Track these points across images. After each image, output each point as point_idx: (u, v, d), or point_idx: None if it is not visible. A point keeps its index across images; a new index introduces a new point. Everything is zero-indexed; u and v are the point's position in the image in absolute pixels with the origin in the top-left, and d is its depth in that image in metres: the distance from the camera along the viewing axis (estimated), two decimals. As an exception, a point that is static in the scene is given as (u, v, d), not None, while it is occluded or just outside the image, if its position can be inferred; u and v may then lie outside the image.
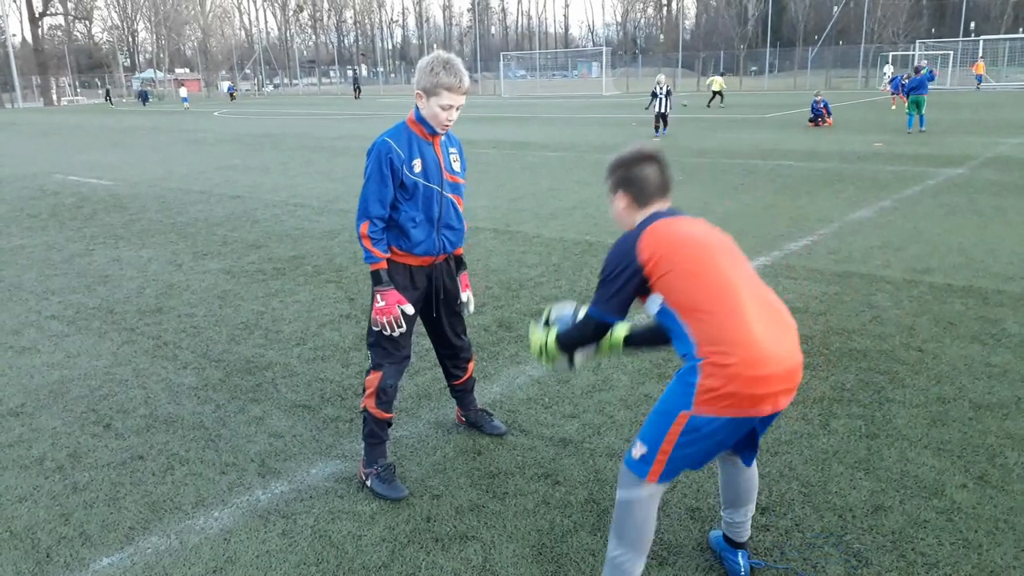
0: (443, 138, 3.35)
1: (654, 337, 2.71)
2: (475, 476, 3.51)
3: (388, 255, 3.31)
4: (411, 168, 3.22)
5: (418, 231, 3.30)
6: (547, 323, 2.87)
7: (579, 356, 2.78)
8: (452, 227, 3.42)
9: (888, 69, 44.30)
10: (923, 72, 19.42)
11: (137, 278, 7.21)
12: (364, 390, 3.40)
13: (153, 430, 4.06)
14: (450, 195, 3.37)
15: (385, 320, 3.27)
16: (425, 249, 3.34)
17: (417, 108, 3.27)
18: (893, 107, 26.51)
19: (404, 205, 3.26)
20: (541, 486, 3.40)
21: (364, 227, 3.24)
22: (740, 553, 2.78)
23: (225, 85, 68.46)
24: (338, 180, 13.55)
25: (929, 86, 19.54)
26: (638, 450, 2.42)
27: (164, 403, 4.40)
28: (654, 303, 2.44)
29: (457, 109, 3.23)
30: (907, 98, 19.05)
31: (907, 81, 19.41)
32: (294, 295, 6.48)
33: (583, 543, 2.99)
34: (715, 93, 33.00)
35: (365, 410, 3.40)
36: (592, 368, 4.69)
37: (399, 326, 3.28)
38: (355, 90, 56.32)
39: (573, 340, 2.71)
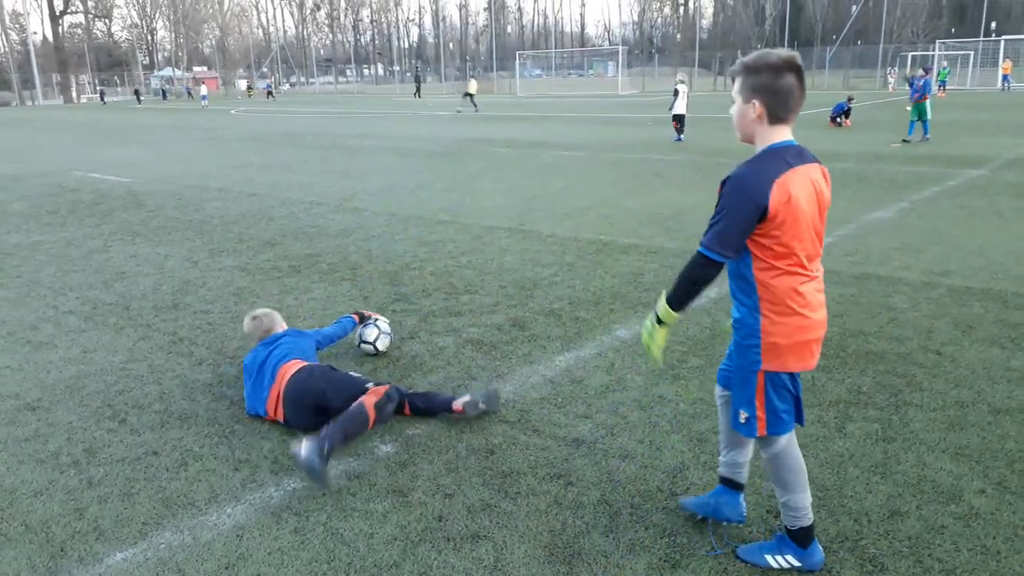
0: None
1: (695, 286, 2.56)
2: (487, 475, 3.50)
3: None
4: None
5: None
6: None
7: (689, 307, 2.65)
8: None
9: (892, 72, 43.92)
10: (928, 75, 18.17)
11: (154, 275, 7.25)
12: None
13: (168, 426, 4.08)
14: None
15: None
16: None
17: None
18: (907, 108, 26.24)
19: None
20: (553, 486, 3.39)
21: None
22: (740, 494, 2.96)
23: (262, 83, 69.34)
24: (355, 178, 13.59)
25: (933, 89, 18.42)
26: (741, 417, 2.63)
27: (179, 399, 4.43)
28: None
29: None
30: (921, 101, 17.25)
31: (923, 82, 17.24)
32: (309, 292, 6.50)
33: (595, 544, 2.97)
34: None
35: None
36: (605, 368, 4.67)
37: None
38: (416, 91, 54.70)
39: (685, 289, 2.55)
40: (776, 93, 2.40)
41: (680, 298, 2.57)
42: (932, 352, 4.78)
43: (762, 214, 2.37)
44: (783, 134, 2.48)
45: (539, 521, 3.14)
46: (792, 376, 2.61)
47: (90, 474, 3.61)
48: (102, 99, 64.60)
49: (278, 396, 3.94)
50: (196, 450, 3.81)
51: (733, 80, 2.54)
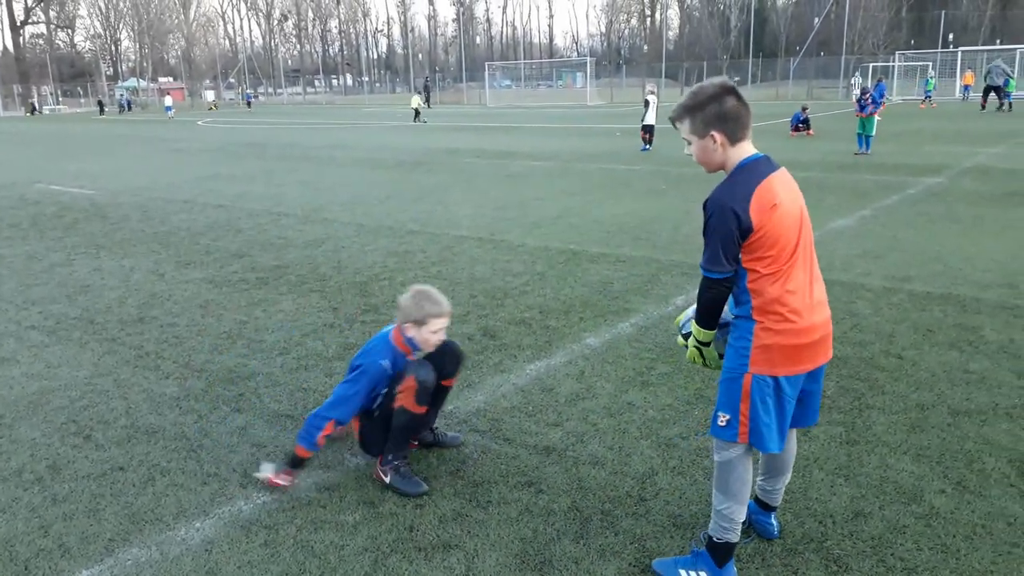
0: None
1: (714, 304, 2.63)
2: (458, 485, 3.50)
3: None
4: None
5: None
6: (681, 331, 2.95)
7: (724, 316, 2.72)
8: None
9: (856, 80, 44.48)
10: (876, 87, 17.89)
11: (119, 288, 7.16)
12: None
13: (134, 441, 4.03)
14: None
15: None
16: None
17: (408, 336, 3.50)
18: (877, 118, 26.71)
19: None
20: (524, 494, 3.41)
21: (329, 426, 3.41)
22: (772, 515, 3.04)
23: (243, 94, 68.97)
24: (323, 190, 13.52)
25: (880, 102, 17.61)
26: (722, 419, 2.65)
27: (145, 413, 4.37)
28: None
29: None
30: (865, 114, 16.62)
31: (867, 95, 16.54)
32: (277, 304, 6.46)
33: (566, 551, 2.99)
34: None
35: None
36: (575, 376, 4.71)
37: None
38: (426, 100, 53.94)
39: (706, 309, 2.63)
40: (727, 118, 2.49)
41: (706, 319, 2.66)
42: (894, 356, 4.89)
43: (746, 229, 2.42)
44: (748, 149, 2.55)
45: (510, 529, 3.15)
46: (782, 381, 2.56)
47: (55, 491, 3.55)
48: (101, 109, 62.39)
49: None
50: (163, 465, 3.77)
51: (676, 125, 2.62)
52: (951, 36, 54.53)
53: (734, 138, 2.51)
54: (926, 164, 14.44)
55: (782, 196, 2.48)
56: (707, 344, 2.74)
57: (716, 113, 2.49)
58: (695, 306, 2.72)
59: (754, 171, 2.50)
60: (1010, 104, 31.42)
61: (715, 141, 2.51)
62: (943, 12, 56.36)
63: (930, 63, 45.49)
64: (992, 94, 31.80)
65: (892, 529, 3.07)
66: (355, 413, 3.48)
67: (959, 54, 45.64)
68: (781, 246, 2.48)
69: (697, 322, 2.69)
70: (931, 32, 59.05)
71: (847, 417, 4.05)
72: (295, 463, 3.47)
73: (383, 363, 3.45)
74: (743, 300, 2.57)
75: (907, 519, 3.13)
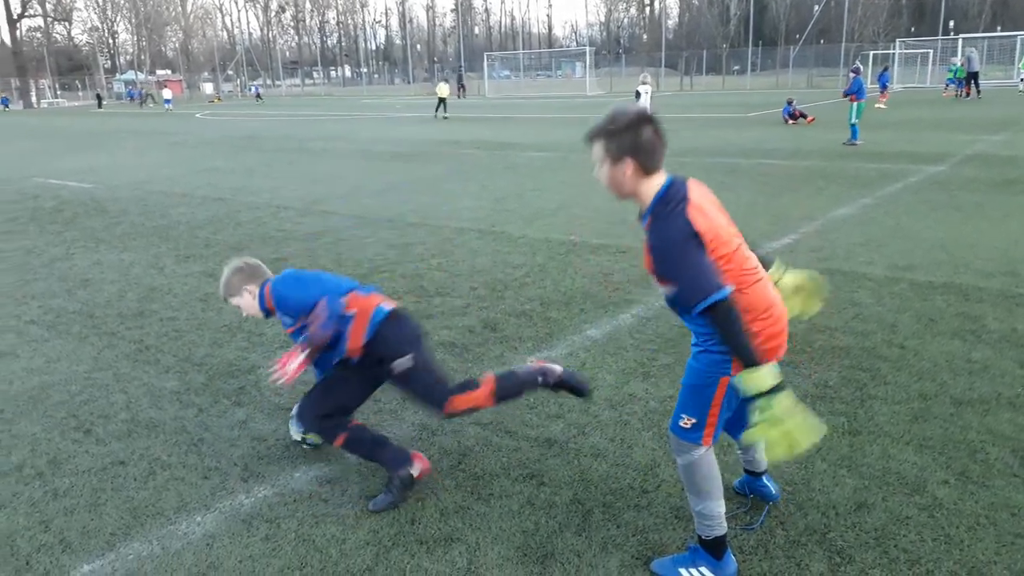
0: None
1: (741, 327, 2.37)
2: (460, 478, 3.50)
3: None
4: None
5: None
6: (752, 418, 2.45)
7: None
8: None
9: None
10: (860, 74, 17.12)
11: (118, 282, 7.14)
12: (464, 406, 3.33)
13: (135, 435, 4.02)
14: None
15: None
16: None
17: None
18: (877, 105, 26.58)
19: None
20: (526, 487, 3.40)
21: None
22: (763, 477, 3.16)
23: (252, 86, 69.04)
24: (321, 182, 13.49)
25: (866, 89, 16.88)
26: (686, 422, 2.61)
27: (146, 408, 4.36)
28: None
29: None
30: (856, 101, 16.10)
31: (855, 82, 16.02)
32: (277, 297, 6.43)
33: (568, 543, 2.99)
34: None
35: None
36: (576, 368, 4.69)
37: None
38: (459, 88, 53.07)
39: (741, 339, 2.34)
40: (641, 149, 2.43)
41: (750, 349, 2.34)
42: (896, 346, 4.87)
43: (700, 241, 2.38)
44: (659, 180, 2.49)
45: (512, 522, 3.14)
46: None
47: (55, 485, 3.55)
48: (99, 102, 62.40)
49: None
50: (164, 459, 3.76)
51: (592, 145, 2.53)
52: (951, 23, 54.29)
53: (647, 169, 2.46)
54: (928, 152, 14.39)
55: (706, 202, 2.51)
56: (782, 388, 2.34)
57: (632, 142, 2.43)
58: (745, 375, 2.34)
59: (674, 194, 2.46)
60: (965, 92, 31.39)
61: (628, 170, 2.45)
62: (944, -1, 56.07)
63: (931, 51, 45.27)
64: (973, 82, 31.64)
65: (895, 520, 3.06)
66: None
67: (959, 41, 45.46)
68: (732, 240, 2.48)
69: (748, 364, 2.32)
70: (931, 19, 58.81)
71: (849, 408, 4.03)
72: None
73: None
74: None
75: (910, 510, 3.12)
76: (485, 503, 3.29)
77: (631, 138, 2.43)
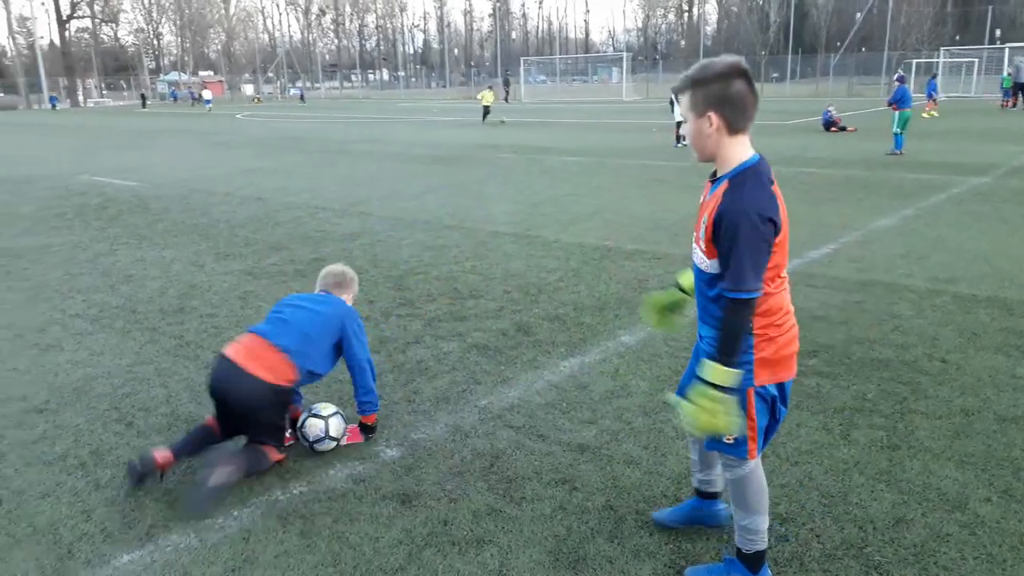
0: None
1: (743, 333, 2.39)
2: (492, 480, 3.51)
3: None
4: None
5: None
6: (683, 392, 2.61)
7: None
8: None
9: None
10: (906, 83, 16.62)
11: (160, 278, 7.28)
12: None
13: (174, 428, 4.10)
14: None
15: None
16: None
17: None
18: (924, 115, 26.11)
19: None
20: (558, 491, 3.40)
21: None
22: (717, 500, 3.01)
23: (294, 89, 70.38)
24: (360, 183, 13.62)
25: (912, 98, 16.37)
26: (729, 437, 2.49)
27: (185, 402, 4.44)
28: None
29: None
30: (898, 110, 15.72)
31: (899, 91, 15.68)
32: (314, 297, 6.51)
33: (600, 549, 2.98)
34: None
35: None
36: (610, 374, 4.68)
37: None
38: (506, 92, 53.43)
39: (736, 340, 2.33)
40: (730, 102, 2.26)
41: (734, 351, 2.33)
42: (937, 360, 4.78)
43: (774, 229, 2.28)
44: (745, 146, 2.35)
45: (544, 526, 3.14)
46: (786, 386, 2.53)
47: (97, 476, 3.63)
48: (143, 102, 63.99)
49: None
50: (203, 453, 3.82)
51: (677, 97, 2.38)
52: (998, 32, 53.16)
53: (733, 127, 2.28)
54: (972, 163, 14.10)
55: (782, 203, 2.38)
56: (733, 389, 2.33)
57: (720, 94, 2.25)
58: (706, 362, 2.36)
59: (764, 175, 2.33)
60: (1013, 102, 30.66)
61: (711, 124, 2.28)
62: (990, 7, 54.97)
63: (976, 60, 44.33)
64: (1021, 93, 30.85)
65: (935, 537, 3.00)
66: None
67: (1006, 50, 44.49)
68: (785, 249, 2.39)
69: (721, 360, 2.31)
70: (977, 28, 57.67)
71: (888, 421, 3.97)
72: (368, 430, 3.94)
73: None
74: None
75: (950, 527, 3.06)
76: (517, 506, 3.29)
77: (720, 89, 2.25)
